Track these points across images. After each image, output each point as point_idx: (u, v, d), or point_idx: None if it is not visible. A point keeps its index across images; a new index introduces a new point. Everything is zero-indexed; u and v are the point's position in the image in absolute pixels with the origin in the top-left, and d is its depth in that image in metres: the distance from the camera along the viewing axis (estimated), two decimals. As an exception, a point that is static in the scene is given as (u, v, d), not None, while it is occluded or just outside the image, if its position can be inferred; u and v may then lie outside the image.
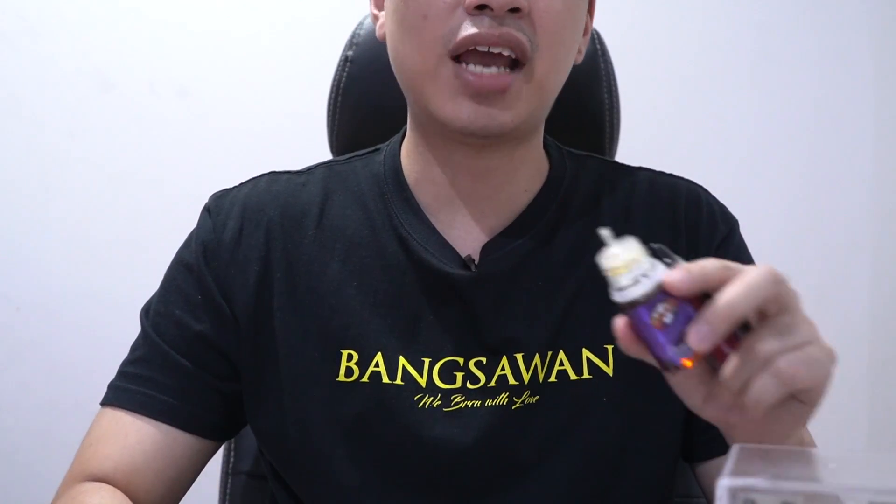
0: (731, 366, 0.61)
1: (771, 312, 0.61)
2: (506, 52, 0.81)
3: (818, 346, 0.62)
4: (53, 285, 1.90)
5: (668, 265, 0.62)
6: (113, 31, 1.90)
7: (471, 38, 0.80)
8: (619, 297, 0.62)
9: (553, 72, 0.84)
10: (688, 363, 0.61)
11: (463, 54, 0.81)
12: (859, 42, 1.95)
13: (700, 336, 0.60)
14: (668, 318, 0.61)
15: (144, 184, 1.90)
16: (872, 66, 1.95)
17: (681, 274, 0.60)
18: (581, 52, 0.93)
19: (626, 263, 0.61)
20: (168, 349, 0.90)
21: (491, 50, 0.80)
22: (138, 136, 1.90)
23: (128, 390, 0.90)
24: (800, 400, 0.64)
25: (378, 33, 0.91)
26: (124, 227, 1.90)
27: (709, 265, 0.61)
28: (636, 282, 0.61)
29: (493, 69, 0.81)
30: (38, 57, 1.89)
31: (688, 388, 0.66)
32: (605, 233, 0.63)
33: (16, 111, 1.90)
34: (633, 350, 0.63)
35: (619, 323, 0.63)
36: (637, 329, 0.62)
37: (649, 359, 0.63)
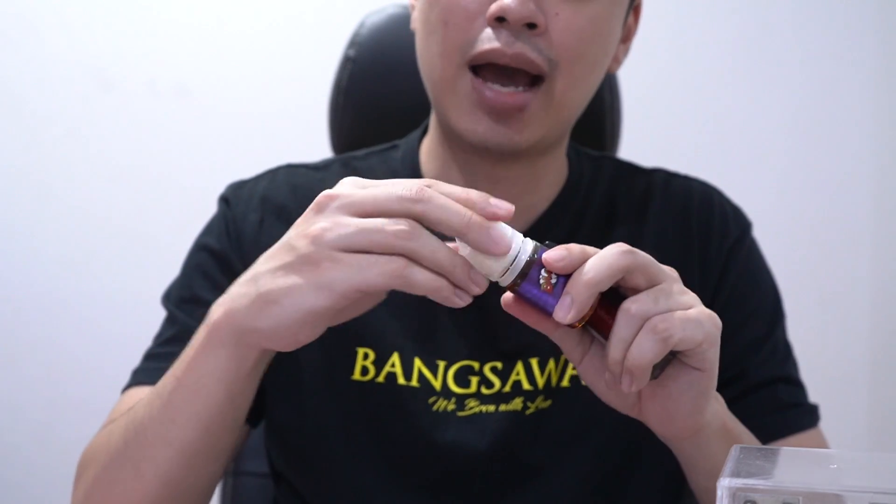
0: (612, 334, 0.63)
1: (642, 286, 0.64)
2: (520, 87, 0.80)
3: (696, 310, 0.64)
4: (53, 285, 1.90)
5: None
6: (113, 30, 1.90)
7: (486, 54, 0.79)
8: (503, 282, 0.64)
9: (573, 90, 0.83)
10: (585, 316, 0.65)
11: (481, 67, 0.81)
12: (860, 42, 1.95)
13: (564, 308, 0.62)
14: (554, 280, 0.64)
15: (144, 183, 1.90)
16: (873, 66, 1.95)
17: (561, 252, 0.63)
18: (618, 61, 0.92)
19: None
20: (196, 326, 0.89)
21: (509, 65, 0.80)
22: (138, 135, 1.90)
23: (158, 369, 0.85)
24: (692, 366, 0.66)
25: (412, 25, 0.90)
26: (124, 226, 1.90)
27: (588, 248, 0.64)
28: (511, 262, 0.64)
29: (511, 88, 0.80)
30: (38, 56, 1.89)
31: (591, 375, 0.69)
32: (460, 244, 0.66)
33: (16, 110, 1.90)
34: (527, 318, 0.65)
35: (507, 297, 0.65)
36: (529, 301, 0.65)
37: (543, 326, 0.66)
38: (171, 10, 1.91)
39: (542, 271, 0.63)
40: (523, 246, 0.64)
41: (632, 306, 0.63)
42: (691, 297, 0.65)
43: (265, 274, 0.63)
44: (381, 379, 0.87)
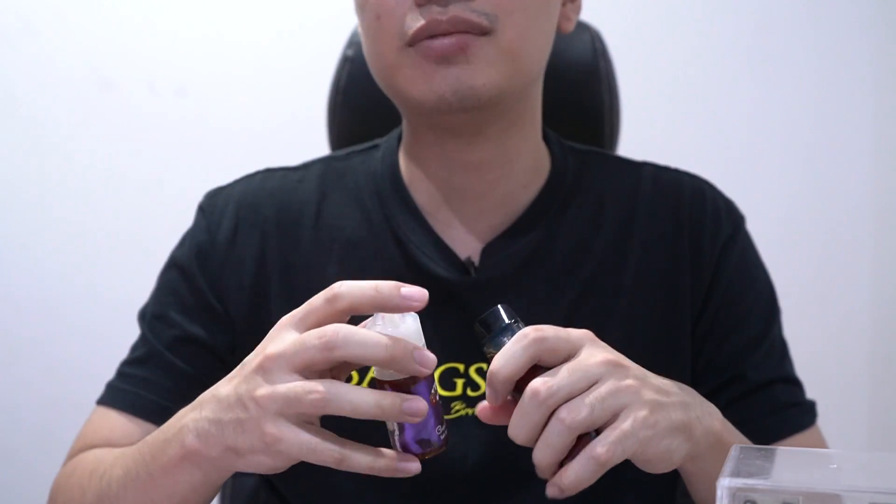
0: (542, 451, 0.66)
1: (553, 363, 0.66)
2: (463, 29, 0.79)
3: (631, 417, 0.66)
4: (53, 285, 1.90)
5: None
6: (112, 31, 1.90)
7: (422, 29, 0.78)
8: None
9: (523, 38, 0.81)
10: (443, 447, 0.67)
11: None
12: (859, 41, 1.95)
13: (483, 406, 0.68)
14: (438, 398, 0.67)
15: (144, 183, 1.90)
16: (872, 66, 1.95)
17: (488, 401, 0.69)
18: (570, 20, 0.90)
19: (416, 334, 0.66)
20: (163, 350, 0.89)
21: (448, 31, 0.78)
22: (138, 136, 1.90)
23: (122, 390, 0.90)
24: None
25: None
26: (124, 226, 1.90)
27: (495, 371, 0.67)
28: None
29: (454, 36, 0.79)
30: (38, 57, 1.89)
31: None
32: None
33: (15, 111, 1.90)
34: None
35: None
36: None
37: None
38: (171, 11, 1.91)
39: (432, 386, 0.66)
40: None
41: (563, 413, 0.65)
42: (629, 396, 0.67)
43: (228, 424, 0.66)
44: (364, 385, 0.86)
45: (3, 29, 1.89)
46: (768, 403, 0.89)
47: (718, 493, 0.54)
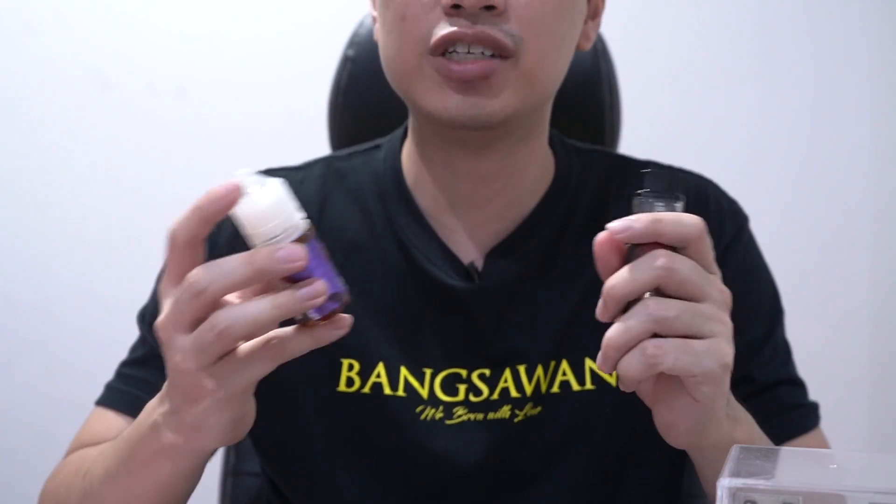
0: (616, 329, 0.63)
1: (671, 293, 0.63)
2: (488, 52, 0.78)
3: (707, 342, 0.63)
4: (53, 285, 1.90)
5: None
6: (112, 31, 1.90)
7: (446, 37, 0.77)
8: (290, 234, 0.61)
9: (543, 62, 0.81)
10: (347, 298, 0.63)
11: (444, 53, 0.79)
12: (859, 41, 1.95)
13: (600, 310, 0.64)
14: (324, 248, 0.63)
15: (144, 184, 1.90)
16: (872, 65, 1.95)
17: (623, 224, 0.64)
18: (589, 39, 0.89)
19: (279, 202, 0.62)
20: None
21: (471, 50, 0.78)
22: (137, 136, 1.90)
23: (120, 391, 0.89)
24: (692, 396, 0.66)
25: (375, 36, 0.90)
26: (124, 226, 1.90)
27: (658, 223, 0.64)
28: (295, 214, 0.62)
29: (477, 55, 0.78)
30: (38, 57, 1.89)
31: None
32: (243, 175, 0.63)
33: (15, 111, 1.90)
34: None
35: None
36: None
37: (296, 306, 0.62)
38: (171, 11, 1.91)
39: (318, 241, 0.62)
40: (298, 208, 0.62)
41: (634, 319, 0.62)
42: (720, 328, 0.65)
43: (181, 407, 0.66)
44: (366, 390, 0.86)
45: (4, 29, 1.89)
46: (773, 405, 0.89)
47: (718, 493, 0.54)
